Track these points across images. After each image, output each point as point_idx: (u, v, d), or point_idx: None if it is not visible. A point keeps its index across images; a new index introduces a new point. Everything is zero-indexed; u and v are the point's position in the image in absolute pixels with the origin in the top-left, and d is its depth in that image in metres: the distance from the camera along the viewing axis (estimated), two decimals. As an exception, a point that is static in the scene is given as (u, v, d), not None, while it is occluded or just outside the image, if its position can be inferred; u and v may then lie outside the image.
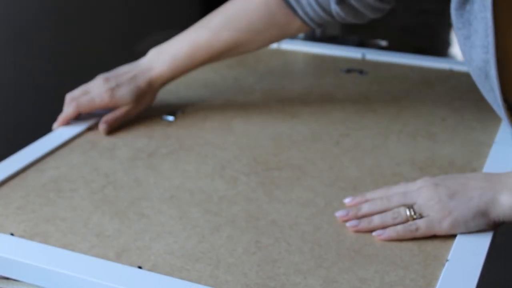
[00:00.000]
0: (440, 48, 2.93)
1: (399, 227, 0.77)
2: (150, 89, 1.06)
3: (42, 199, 0.87)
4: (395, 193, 0.81)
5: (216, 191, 0.88)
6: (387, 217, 0.79)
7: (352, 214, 0.81)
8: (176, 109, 1.10)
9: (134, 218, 0.82)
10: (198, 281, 0.71)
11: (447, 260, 0.73)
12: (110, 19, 1.53)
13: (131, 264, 0.74)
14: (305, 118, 1.08)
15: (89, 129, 1.04)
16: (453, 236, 0.77)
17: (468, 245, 0.75)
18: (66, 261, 0.74)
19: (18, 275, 0.76)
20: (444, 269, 0.72)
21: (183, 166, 0.94)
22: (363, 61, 1.30)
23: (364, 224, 0.79)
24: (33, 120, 1.34)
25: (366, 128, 1.04)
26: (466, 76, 1.15)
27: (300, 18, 1.03)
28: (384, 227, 0.78)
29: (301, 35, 1.63)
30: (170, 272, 0.73)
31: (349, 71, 1.26)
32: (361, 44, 1.49)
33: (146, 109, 1.08)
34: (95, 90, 1.04)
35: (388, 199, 0.80)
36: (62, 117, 1.03)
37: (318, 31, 1.62)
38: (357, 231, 0.79)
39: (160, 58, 1.06)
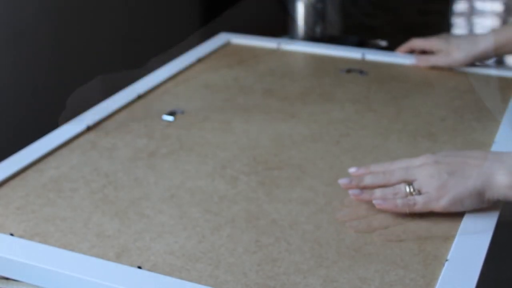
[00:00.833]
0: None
1: (399, 201, 0.80)
2: None
3: (42, 199, 0.87)
4: (398, 168, 0.84)
5: (216, 191, 0.88)
6: (388, 193, 0.82)
7: (354, 183, 0.84)
8: (176, 109, 1.10)
9: (134, 218, 0.83)
10: (198, 281, 0.71)
11: (446, 260, 0.73)
12: (110, 19, 1.53)
13: (131, 264, 0.74)
14: (305, 118, 1.08)
15: (89, 129, 1.04)
16: (453, 236, 0.77)
17: (467, 245, 0.75)
18: (66, 261, 0.74)
19: (18, 275, 0.75)
20: (444, 269, 0.72)
21: (183, 166, 0.94)
22: (363, 61, 1.30)
23: (366, 195, 0.82)
24: (33, 120, 1.34)
25: (366, 128, 1.04)
26: (466, 76, 1.15)
27: None
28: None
29: (301, 35, 1.63)
30: (170, 272, 0.73)
31: (349, 71, 1.25)
32: (361, 44, 1.49)
33: (146, 109, 1.08)
34: None
35: (390, 173, 0.83)
36: None
37: (318, 31, 1.62)
38: (358, 200, 0.83)
39: None
